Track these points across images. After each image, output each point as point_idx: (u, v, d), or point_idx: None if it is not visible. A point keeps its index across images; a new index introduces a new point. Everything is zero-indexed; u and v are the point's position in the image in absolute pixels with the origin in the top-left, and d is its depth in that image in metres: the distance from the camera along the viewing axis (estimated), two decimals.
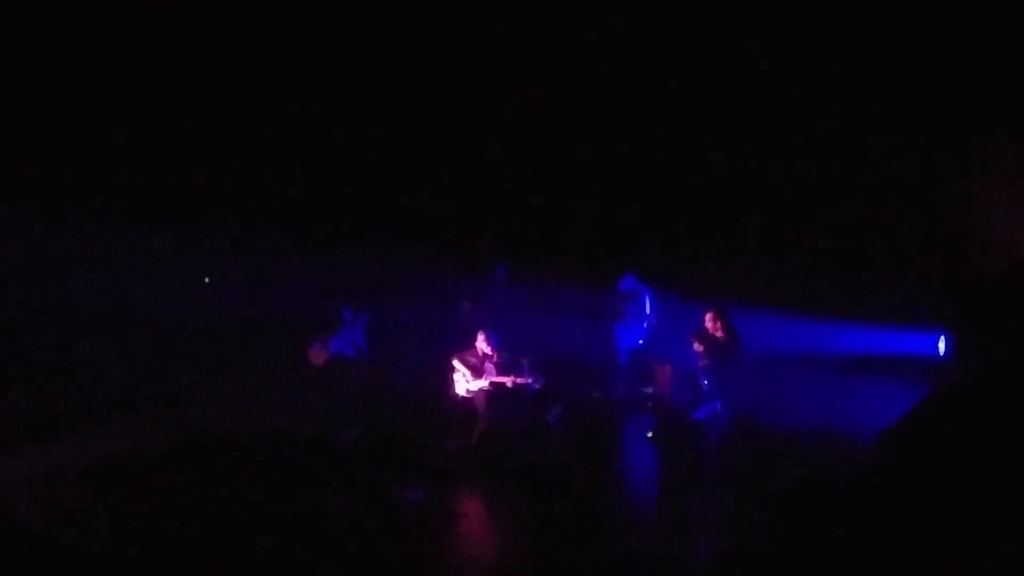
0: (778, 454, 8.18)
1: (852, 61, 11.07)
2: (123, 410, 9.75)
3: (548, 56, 12.55)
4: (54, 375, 10.80)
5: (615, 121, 12.82)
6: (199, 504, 6.95)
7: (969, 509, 3.18)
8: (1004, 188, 10.83)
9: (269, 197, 13.29)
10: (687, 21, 11.59)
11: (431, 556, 6.03)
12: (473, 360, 9.02)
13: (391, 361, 11.04)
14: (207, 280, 13.69)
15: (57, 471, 7.54)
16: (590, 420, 9.80)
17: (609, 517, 6.88)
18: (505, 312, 11.19)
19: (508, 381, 8.83)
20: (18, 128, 11.74)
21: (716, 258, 12.18)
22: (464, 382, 8.98)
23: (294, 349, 10.76)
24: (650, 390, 10.75)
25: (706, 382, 9.73)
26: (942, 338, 10.74)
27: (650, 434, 9.43)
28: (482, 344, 9.05)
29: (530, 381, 8.91)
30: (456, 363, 9.06)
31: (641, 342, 11.24)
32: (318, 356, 10.39)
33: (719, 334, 9.70)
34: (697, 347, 9.73)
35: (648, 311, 11.16)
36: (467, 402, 8.99)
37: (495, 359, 8.99)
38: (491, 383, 8.86)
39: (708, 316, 9.78)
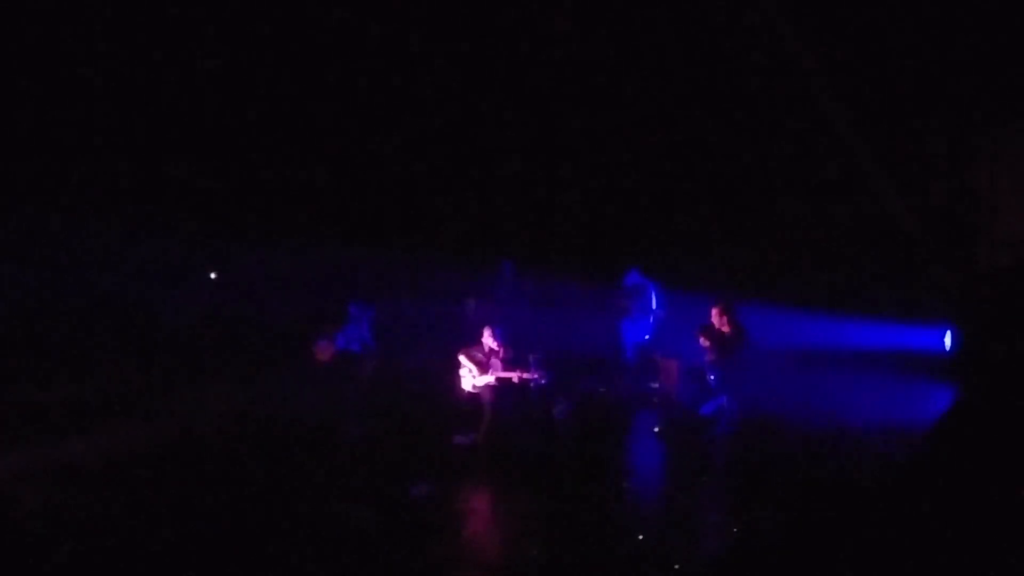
0: (784, 449, 8.17)
1: (858, 54, 11.03)
2: (128, 407, 9.78)
3: (551, 54, 12.55)
4: (61, 371, 10.83)
5: (620, 117, 12.81)
6: (204, 500, 6.97)
7: (997, 517, 3.18)
8: (1012, 184, 10.81)
9: (276, 193, 13.30)
10: (694, 19, 11.58)
11: (438, 551, 6.04)
12: (479, 356, 9.02)
13: (398, 357, 11.05)
14: (213, 276, 13.71)
15: (65, 467, 7.59)
16: (596, 415, 9.81)
17: (615, 513, 6.87)
18: (511, 308, 11.20)
19: (514, 376, 8.83)
20: (19, 127, 11.76)
21: (722, 253, 12.17)
22: (470, 378, 8.98)
23: (301, 345, 10.78)
24: (656, 385, 10.75)
25: (712, 377, 9.72)
26: (948, 333, 10.73)
27: (656, 429, 9.43)
28: (488, 340, 9.05)
29: (536, 377, 8.91)
30: (462, 359, 9.06)
31: (647, 337, 11.24)
32: (324, 352, 10.41)
33: (725, 329, 9.68)
34: (703, 342, 9.71)
35: (654, 306, 11.16)
36: (473, 397, 8.99)
37: (501, 355, 8.99)
38: (497, 379, 8.86)
39: (714, 311, 9.76)
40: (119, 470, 7.60)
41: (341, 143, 13.38)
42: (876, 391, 9.84)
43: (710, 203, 12.58)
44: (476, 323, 9.89)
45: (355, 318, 10.48)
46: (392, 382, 10.59)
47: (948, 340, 10.70)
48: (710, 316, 9.80)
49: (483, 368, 8.93)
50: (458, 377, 9.10)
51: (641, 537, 6.17)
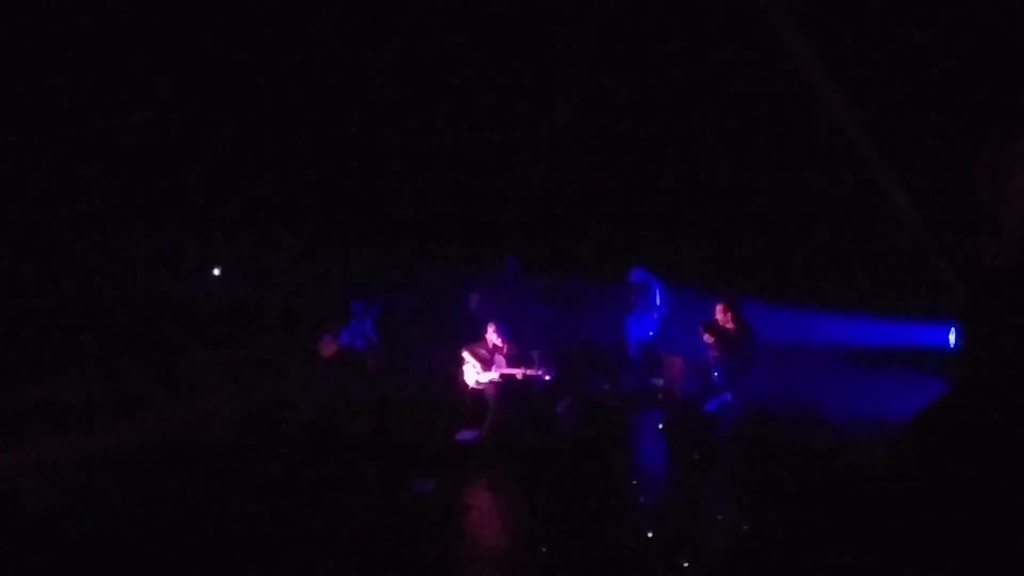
0: (789, 446, 8.15)
1: (862, 53, 11.00)
2: (131, 404, 9.78)
3: (551, 53, 12.52)
4: (67, 366, 10.85)
5: (623, 113, 12.78)
6: (208, 495, 6.98)
7: (986, 507, 3.16)
8: (1016, 179, 10.75)
9: (278, 190, 13.29)
10: (697, 18, 11.55)
11: (441, 547, 6.04)
12: (483, 352, 9.02)
13: (401, 353, 11.05)
14: (216, 272, 13.72)
15: (76, 459, 7.65)
16: (600, 412, 9.79)
17: (619, 509, 6.86)
18: (515, 304, 11.17)
19: (518, 373, 8.84)
20: (19, 126, 11.76)
21: (727, 249, 12.15)
22: (474, 374, 8.98)
23: (304, 341, 10.78)
24: (660, 382, 10.73)
25: (716, 374, 9.72)
26: (953, 330, 10.70)
27: (660, 426, 9.42)
28: (492, 336, 9.05)
29: (540, 373, 8.91)
30: (466, 355, 9.06)
31: (651, 334, 11.22)
32: (328, 348, 10.41)
33: (730, 326, 9.68)
34: (708, 339, 9.71)
35: (658, 302, 11.14)
36: (477, 394, 8.99)
37: (505, 351, 8.99)
38: (501, 375, 8.86)
39: (719, 307, 9.76)
40: (123, 466, 7.62)
41: (345, 139, 13.37)
42: (880, 388, 9.82)
43: (715, 199, 12.56)
44: (480, 319, 9.89)
45: (359, 314, 10.49)
46: (396, 378, 10.59)
47: (952, 337, 10.68)
48: (715, 312, 9.80)
49: (487, 364, 8.93)
50: (462, 373, 9.09)
51: (643, 534, 6.16)
